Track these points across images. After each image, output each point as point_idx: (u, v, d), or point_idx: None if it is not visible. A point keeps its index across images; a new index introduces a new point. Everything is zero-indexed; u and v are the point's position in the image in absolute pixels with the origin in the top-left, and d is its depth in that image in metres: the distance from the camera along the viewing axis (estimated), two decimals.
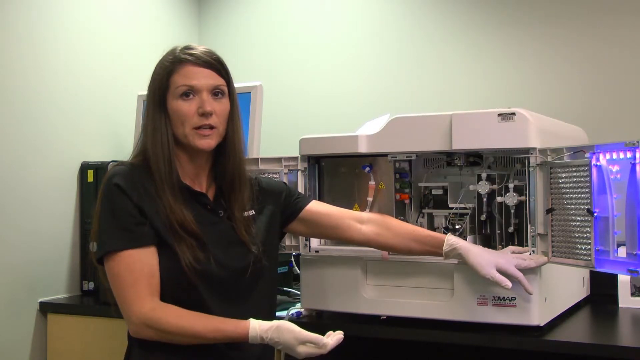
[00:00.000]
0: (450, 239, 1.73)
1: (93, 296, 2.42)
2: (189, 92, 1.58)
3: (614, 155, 1.58)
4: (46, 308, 2.36)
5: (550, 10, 2.53)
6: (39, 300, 2.36)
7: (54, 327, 2.36)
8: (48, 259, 2.40)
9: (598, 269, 1.61)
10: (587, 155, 1.62)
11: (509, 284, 1.65)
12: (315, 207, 1.81)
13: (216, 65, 1.61)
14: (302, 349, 1.52)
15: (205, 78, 1.59)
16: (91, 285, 2.44)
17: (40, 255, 2.37)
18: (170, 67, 1.59)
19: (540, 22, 2.55)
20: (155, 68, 1.63)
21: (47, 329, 2.37)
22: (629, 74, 2.42)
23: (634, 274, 1.53)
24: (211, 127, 1.58)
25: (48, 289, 2.39)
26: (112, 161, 2.40)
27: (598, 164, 1.60)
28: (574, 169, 1.65)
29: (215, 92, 1.60)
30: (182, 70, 1.58)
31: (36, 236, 2.36)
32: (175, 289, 1.53)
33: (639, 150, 1.51)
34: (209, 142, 1.59)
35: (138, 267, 1.51)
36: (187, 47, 1.62)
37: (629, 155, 1.53)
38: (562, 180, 1.68)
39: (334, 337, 1.54)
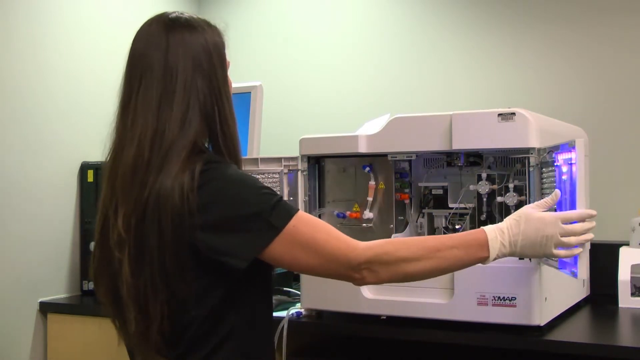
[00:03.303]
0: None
1: (93, 296, 2.42)
2: None
3: (565, 156, 1.59)
4: (46, 308, 2.36)
5: (550, 10, 2.53)
6: (39, 300, 2.36)
7: (54, 327, 2.36)
8: (48, 259, 2.40)
9: (561, 270, 1.61)
10: (553, 155, 1.63)
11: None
12: None
13: None
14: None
15: None
16: (91, 285, 2.44)
17: (40, 255, 2.37)
18: (223, 37, 1.48)
19: (540, 22, 2.55)
20: (205, 35, 1.45)
21: (47, 329, 2.37)
22: (629, 73, 2.42)
23: (574, 275, 1.52)
24: None
25: (48, 289, 2.39)
26: None
27: (557, 164, 1.62)
28: (549, 169, 1.67)
29: None
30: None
31: (36, 236, 2.36)
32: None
33: (574, 151, 1.51)
34: None
35: (319, 222, 1.38)
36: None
37: (573, 155, 1.54)
38: (544, 180, 1.71)
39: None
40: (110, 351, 2.18)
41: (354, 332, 1.81)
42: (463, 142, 1.77)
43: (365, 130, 1.96)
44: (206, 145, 1.42)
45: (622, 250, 2.15)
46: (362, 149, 1.90)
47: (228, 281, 1.34)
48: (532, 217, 1.43)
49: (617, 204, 2.38)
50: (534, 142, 1.71)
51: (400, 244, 1.40)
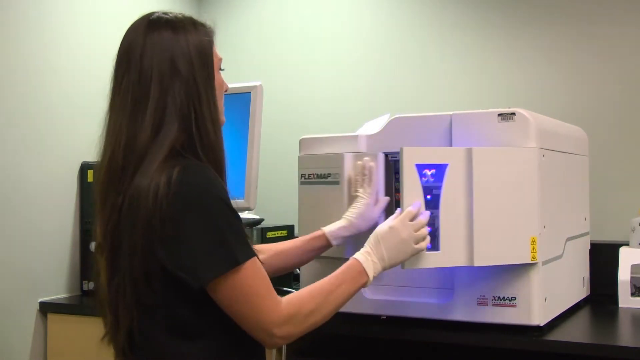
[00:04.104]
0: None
1: (93, 296, 2.42)
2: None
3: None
4: (46, 308, 2.36)
5: (551, 10, 2.53)
6: (39, 300, 2.36)
7: (54, 327, 2.36)
8: (48, 259, 2.40)
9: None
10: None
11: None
12: None
13: None
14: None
15: None
16: (91, 285, 2.44)
17: (40, 255, 2.37)
18: (211, 36, 1.46)
19: (541, 22, 2.55)
20: (186, 35, 1.41)
21: (47, 329, 2.37)
22: (629, 73, 2.42)
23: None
24: None
25: (48, 289, 2.39)
26: None
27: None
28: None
29: None
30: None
31: (36, 236, 2.35)
32: None
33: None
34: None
35: (264, 273, 1.35)
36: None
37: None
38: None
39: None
40: (111, 351, 2.17)
41: (354, 332, 1.81)
42: (463, 142, 1.76)
43: (365, 130, 1.95)
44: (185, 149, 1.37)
45: (622, 250, 2.15)
46: (362, 149, 1.90)
47: (195, 291, 1.31)
48: (384, 231, 1.54)
49: (617, 204, 2.38)
50: (534, 142, 1.71)
51: (307, 297, 1.40)
